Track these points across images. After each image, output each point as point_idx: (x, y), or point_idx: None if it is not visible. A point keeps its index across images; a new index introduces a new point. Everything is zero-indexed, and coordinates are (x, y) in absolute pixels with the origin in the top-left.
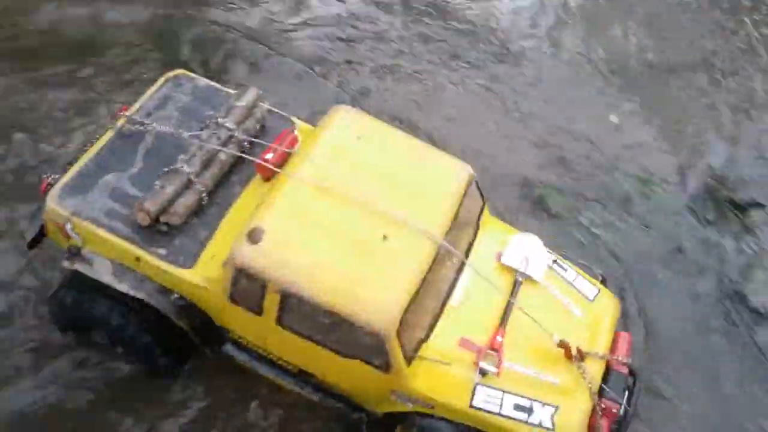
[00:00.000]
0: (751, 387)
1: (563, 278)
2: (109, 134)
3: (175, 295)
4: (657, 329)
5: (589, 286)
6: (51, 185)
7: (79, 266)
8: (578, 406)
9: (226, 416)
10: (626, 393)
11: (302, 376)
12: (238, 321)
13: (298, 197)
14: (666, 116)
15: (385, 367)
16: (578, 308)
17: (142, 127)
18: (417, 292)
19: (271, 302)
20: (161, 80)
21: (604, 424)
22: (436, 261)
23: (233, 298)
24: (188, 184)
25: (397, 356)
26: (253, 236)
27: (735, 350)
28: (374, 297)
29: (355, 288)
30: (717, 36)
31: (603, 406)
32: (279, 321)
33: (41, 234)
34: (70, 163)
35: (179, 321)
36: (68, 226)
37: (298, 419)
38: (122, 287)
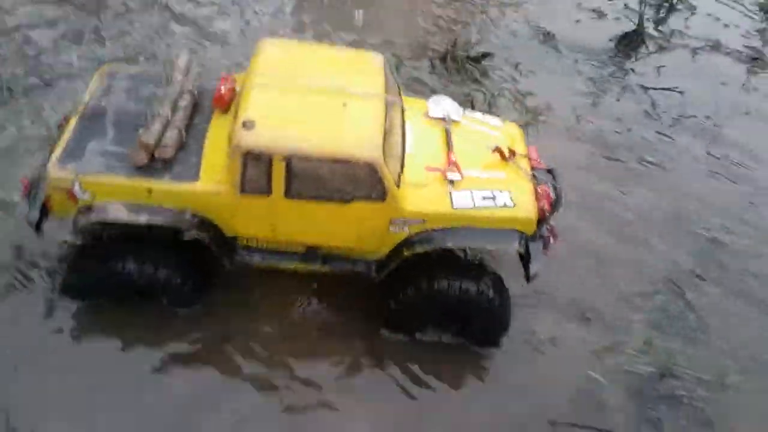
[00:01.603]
0: None
1: (475, 118)
2: (73, 120)
3: (188, 214)
4: None
5: (495, 120)
6: (30, 182)
7: (95, 217)
8: (524, 188)
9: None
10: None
11: (310, 253)
12: (247, 216)
13: (265, 93)
14: None
15: (382, 194)
16: (495, 132)
17: (102, 104)
18: (385, 133)
19: (278, 174)
20: (96, 75)
21: (545, 204)
22: (387, 115)
23: (243, 188)
24: (167, 123)
25: (389, 179)
26: (247, 125)
27: None
28: (358, 139)
29: (341, 137)
30: None
31: (539, 191)
32: (287, 192)
33: (43, 215)
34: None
35: (199, 235)
36: (76, 186)
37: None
38: (142, 219)
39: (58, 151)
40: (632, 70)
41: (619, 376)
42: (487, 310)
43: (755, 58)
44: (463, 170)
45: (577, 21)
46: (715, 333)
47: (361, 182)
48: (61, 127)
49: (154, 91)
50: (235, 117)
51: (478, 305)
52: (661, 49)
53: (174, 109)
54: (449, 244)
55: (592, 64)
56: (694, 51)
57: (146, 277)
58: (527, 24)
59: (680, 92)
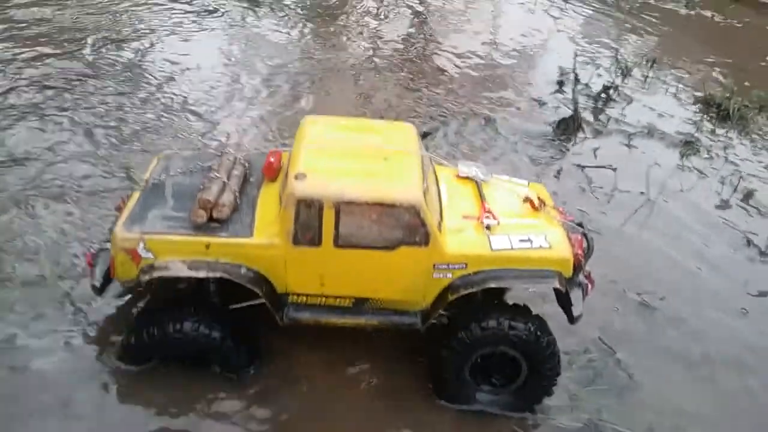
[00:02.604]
0: None
1: (502, 178)
2: (136, 194)
3: (243, 268)
4: None
5: (520, 180)
6: (94, 255)
7: (157, 273)
8: (558, 232)
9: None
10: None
11: (357, 307)
12: (298, 269)
13: (313, 153)
14: None
15: (425, 238)
16: (522, 188)
17: (164, 177)
18: (424, 182)
19: (328, 223)
20: (155, 159)
21: (578, 251)
22: (423, 169)
23: (296, 239)
24: (224, 186)
25: (431, 223)
26: (299, 177)
27: None
28: (400, 186)
29: (385, 185)
30: None
31: (572, 239)
32: (336, 241)
33: (107, 281)
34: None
35: (255, 288)
36: (140, 246)
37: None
38: (201, 274)
39: (123, 218)
40: (569, 151)
41: (545, 430)
42: (536, 354)
43: (688, 142)
44: (498, 218)
45: (518, 108)
46: (643, 390)
47: (405, 227)
48: (119, 207)
49: (209, 165)
50: (285, 181)
51: (526, 348)
52: (597, 133)
53: (229, 176)
54: (491, 284)
55: (532, 147)
56: (630, 136)
57: (199, 341)
58: (468, 109)
59: (613, 169)
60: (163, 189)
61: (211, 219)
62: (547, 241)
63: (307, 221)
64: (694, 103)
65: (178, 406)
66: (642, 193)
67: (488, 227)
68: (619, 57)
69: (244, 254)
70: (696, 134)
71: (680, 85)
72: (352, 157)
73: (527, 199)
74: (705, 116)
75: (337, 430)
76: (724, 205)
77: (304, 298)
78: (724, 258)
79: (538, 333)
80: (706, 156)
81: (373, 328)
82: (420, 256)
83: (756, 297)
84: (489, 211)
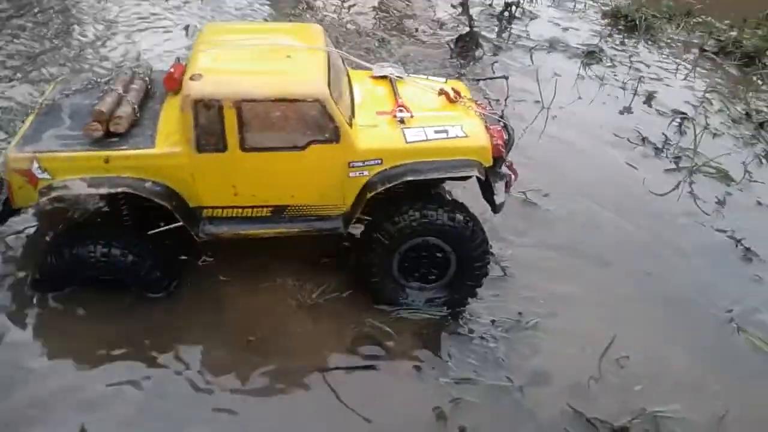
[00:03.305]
0: None
1: (419, 76)
2: (29, 118)
3: (149, 182)
4: None
5: (437, 78)
6: None
7: (56, 193)
8: (475, 122)
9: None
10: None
11: (276, 215)
12: (208, 179)
13: (210, 54)
14: None
15: (335, 134)
16: (438, 85)
17: (60, 97)
18: (329, 76)
19: (231, 125)
20: (52, 84)
21: (499, 141)
22: (331, 65)
23: (199, 145)
24: (120, 99)
25: (339, 118)
26: (195, 78)
27: None
28: (304, 79)
29: (287, 80)
30: None
31: (491, 130)
32: (242, 145)
33: (7, 210)
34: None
35: (163, 202)
36: (34, 166)
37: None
38: (102, 190)
39: (15, 141)
40: (466, 67)
41: (405, 323)
42: (468, 250)
43: (591, 52)
44: (413, 111)
45: (416, 29)
46: (516, 282)
47: (312, 123)
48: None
49: (104, 80)
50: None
51: (460, 242)
52: (497, 49)
53: (126, 90)
54: (409, 178)
55: (428, 65)
56: (530, 50)
57: (114, 263)
58: (359, 29)
59: (506, 78)
60: (58, 110)
61: (108, 134)
62: (463, 131)
63: (209, 125)
64: (602, 18)
65: (98, 329)
66: (537, 101)
67: (402, 121)
68: None
69: (148, 167)
70: (600, 44)
71: (589, 2)
72: (253, 56)
73: (442, 92)
74: (612, 29)
75: (265, 342)
76: (624, 109)
77: (219, 211)
78: (618, 158)
79: (474, 228)
80: (609, 65)
81: (295, 236)
82: (332, 154)
83: (641, 194)
84: (402, 105)
